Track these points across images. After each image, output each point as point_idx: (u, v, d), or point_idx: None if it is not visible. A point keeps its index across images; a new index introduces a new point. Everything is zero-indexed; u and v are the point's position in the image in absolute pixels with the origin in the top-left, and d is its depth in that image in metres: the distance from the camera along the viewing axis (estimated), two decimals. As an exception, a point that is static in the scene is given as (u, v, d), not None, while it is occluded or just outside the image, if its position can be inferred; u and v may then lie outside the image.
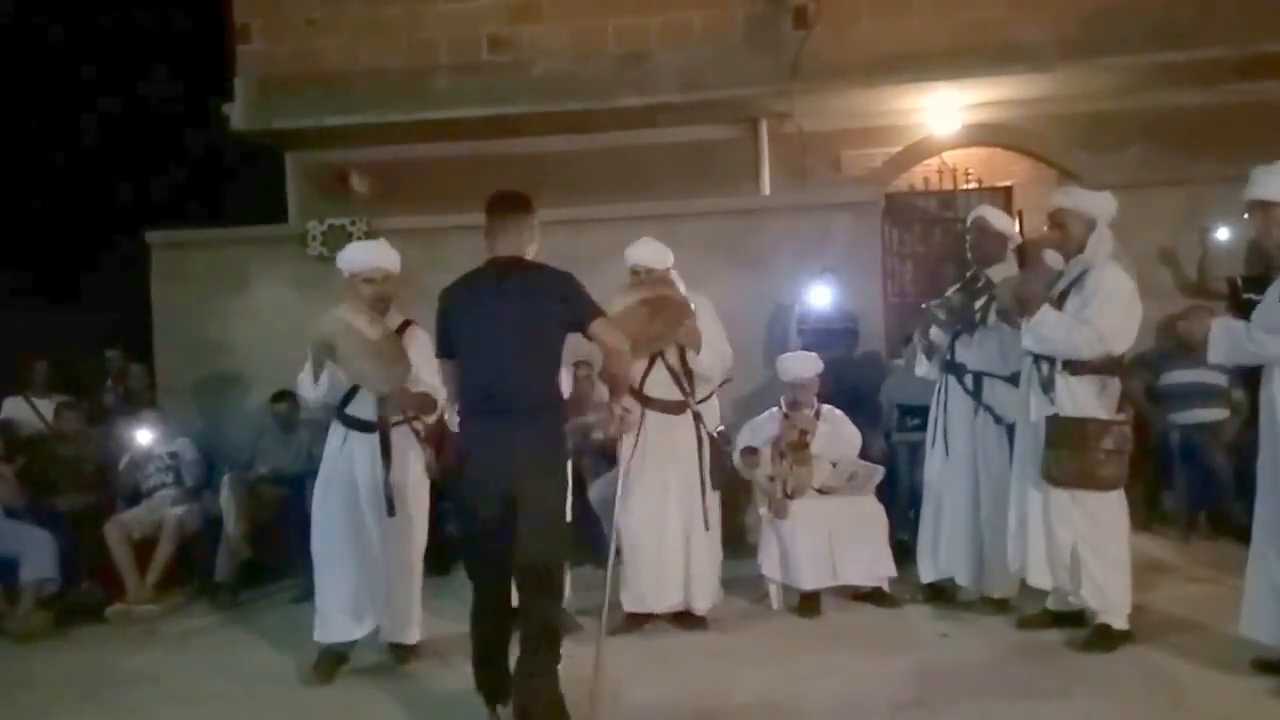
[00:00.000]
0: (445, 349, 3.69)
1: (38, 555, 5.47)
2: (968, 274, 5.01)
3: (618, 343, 3.61)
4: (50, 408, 7.12)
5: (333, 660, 4.39)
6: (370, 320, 4.22)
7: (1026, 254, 5.51)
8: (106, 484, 6.39)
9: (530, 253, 3.67)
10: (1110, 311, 4.21)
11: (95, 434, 6.83)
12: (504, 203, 3.67)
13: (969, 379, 4.80)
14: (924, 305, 5.15)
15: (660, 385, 4.79)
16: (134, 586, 5.71)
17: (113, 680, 4.57)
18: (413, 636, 4.50)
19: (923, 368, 5.11)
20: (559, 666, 3.43)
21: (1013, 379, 4.67)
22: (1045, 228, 4.54)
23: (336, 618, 4.37)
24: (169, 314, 7.56)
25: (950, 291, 5.01)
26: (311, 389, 4.43)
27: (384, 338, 4.24)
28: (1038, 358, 4.36)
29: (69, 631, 5.41)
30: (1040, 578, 4.40)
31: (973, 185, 8.55)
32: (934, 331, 4.97)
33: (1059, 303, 4.32)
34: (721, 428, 5.02)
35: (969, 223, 5.01)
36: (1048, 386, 4.33)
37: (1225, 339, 3.91)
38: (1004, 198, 8.61)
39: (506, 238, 3.63)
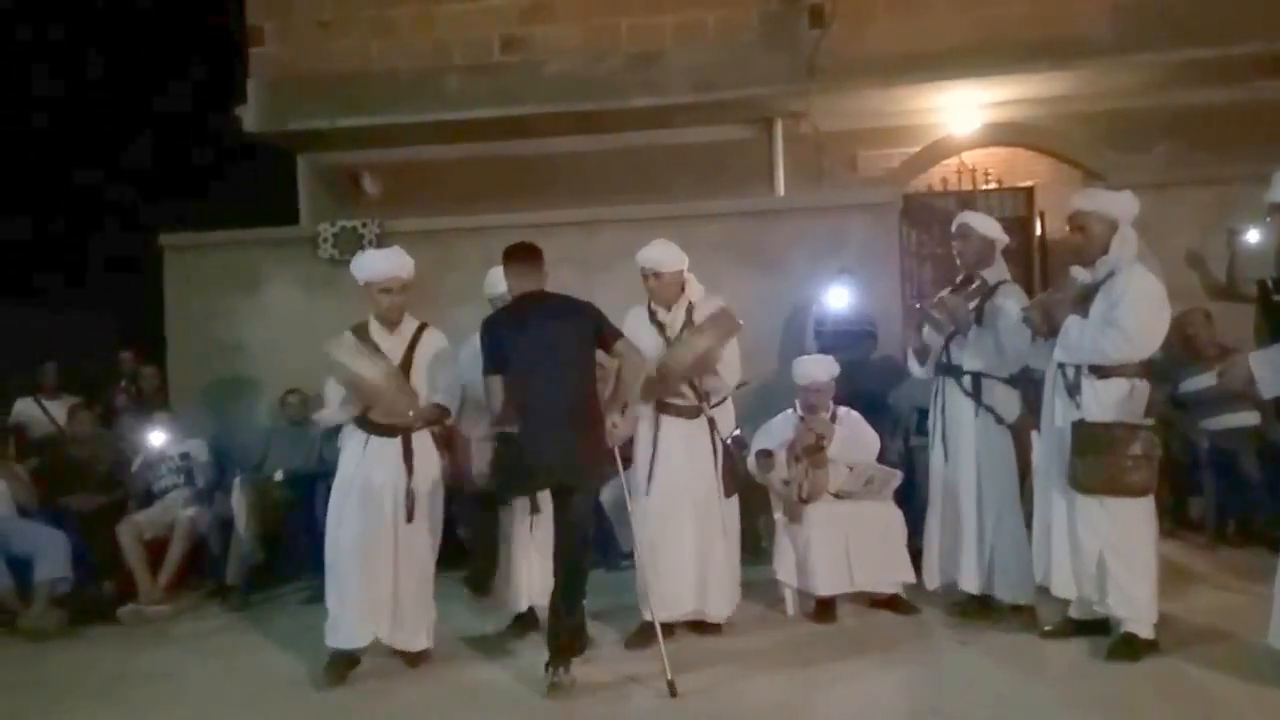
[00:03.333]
0: (496, 366, 4.22)
1: (51, 555, 5.48)
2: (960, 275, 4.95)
3: (640, 363, 4.38)
4: (60, 409, 7.15)
5: (344, 663, 4.37)
6: (370, 358, 4.30)
7: (1049, 258, 5.47)
8: (119, 485, 6.38)
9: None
10: (1138, 313, 4.13)
11: (108, 435, 6.83)
12: (521, 251, 4.35)
13: (967, 380, 4.74)
14: (917, 306, 5.09)
15: (677, 392, 4.71)
16: (146, 587, 5.70)
17: (125, 680, 4.57)
18: (423, 642, 4.48)
19: (915, 369, 5.06)
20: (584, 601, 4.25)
21: (1011, 380, 4.66)
22: (1066, 231, 4.47)
23: (349, 623, 4.34)
24: (182, 316, 7.57)
25: (944, 292, 4.95)
26: (338, 417, 4.55)
27: (385, 376, 4.29)
28: (1063, 362, 4.29)
29: (82, 631, 5.41)
30: (1064, 587, 4.31)
31: (993, 186, 8.43)
32: (927, 333, 4.92)
33: (1085, 306, 4.25)
34: (737, 431, 4.97)
35: (954, 229, 4.94)
36: (1073, 391, 4.25)
37: (1271, 371, 3.78)
38: (1025, 198, 8.51)
39: (528, 279, 4.30)
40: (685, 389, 4.69)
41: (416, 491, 4.37)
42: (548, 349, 4.16)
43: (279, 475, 6.18)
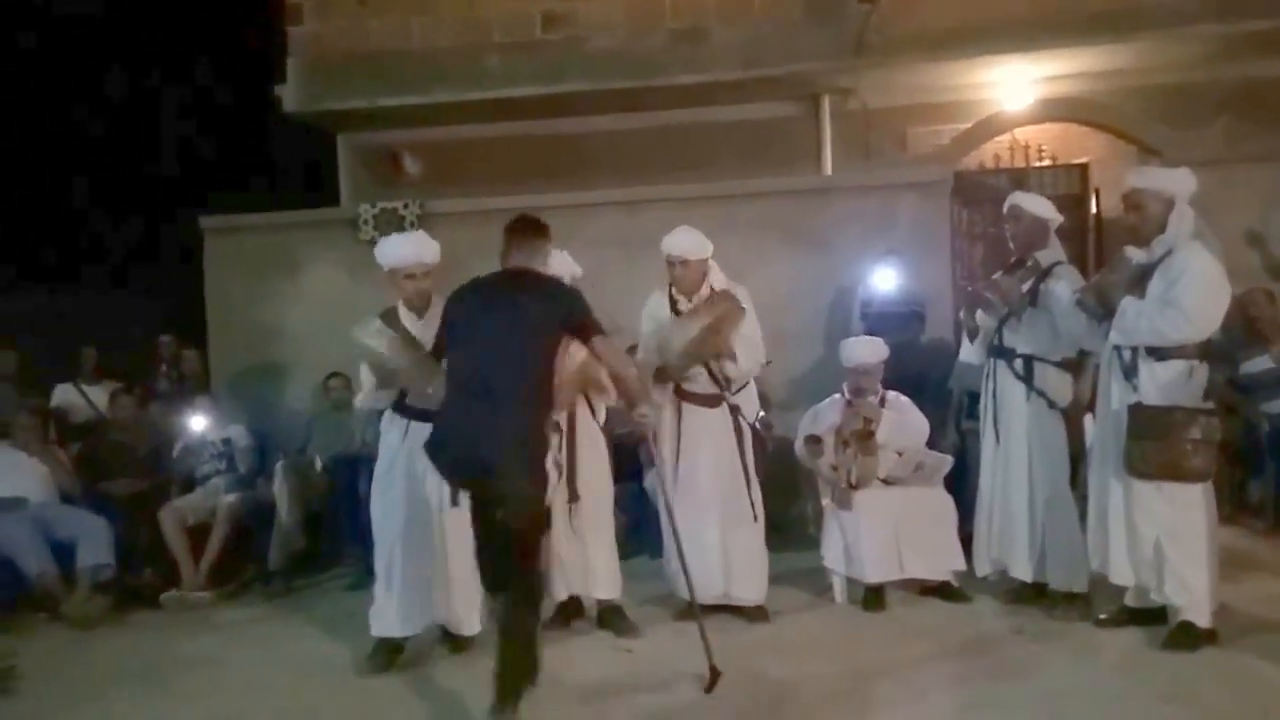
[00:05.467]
0: (439, 343, 3.93)
1: (94, 541, 5.51)
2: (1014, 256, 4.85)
3: (619, 366, 3.94)
4: (101, 394, 7.20)
5: (388, 651, 4.35)
6: (392, 345, 4.20)
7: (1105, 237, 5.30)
8: (160, 470, 6.41)
9: (541, 268, 3.91)
10: (1197, 292, 4.02)
11: (148, 420, 6.87)
12: (522, 225, 3.91)
13: (1019, 363, 4.64)
14: (969, 288, 4.96)
15: (695, 379, 4.71)
16: (188, 573, 5.73)
17: (169, 665, 4.59)
18: (473, 627, 4.44)
19: (966, 352, 4.99)
20: (535, 628, 3.72)
21: (1064, 364, 4.58)
22: (1121, 209, 4.36)
23: (395, 612, 4.32)
24: (221, 300, 7.59)
25: (998, 274, 4.85)
26: (374, 401, 4.51)
27: (412, 363, 4.18)
28: (1119, 344, 4.19)
29: (125, 617, 5.44)
30: (1121, 574, 4.23)
31: (1046, 163, 8.22)
32: (980, 315, 4.83)
33: (1141, 286, 4.13)
34: (762, 413, 4.92)
35: (1005, 211, 4.85)
36: (1130, 373, 4.17)
37: None
38: (1079, 175, 8.26)
39: (519, 255, 3.85)
40: (705, 377, 4.66)
41: None
42: (499, 333, 3.65)
43: (319, 462, 6.19)
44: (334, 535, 6.10)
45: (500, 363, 3.61)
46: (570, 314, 3.74)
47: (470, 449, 3.59)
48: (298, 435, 6.54)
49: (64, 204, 13.15)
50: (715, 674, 3.84)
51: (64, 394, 7.44)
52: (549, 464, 3.76)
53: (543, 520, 3.80)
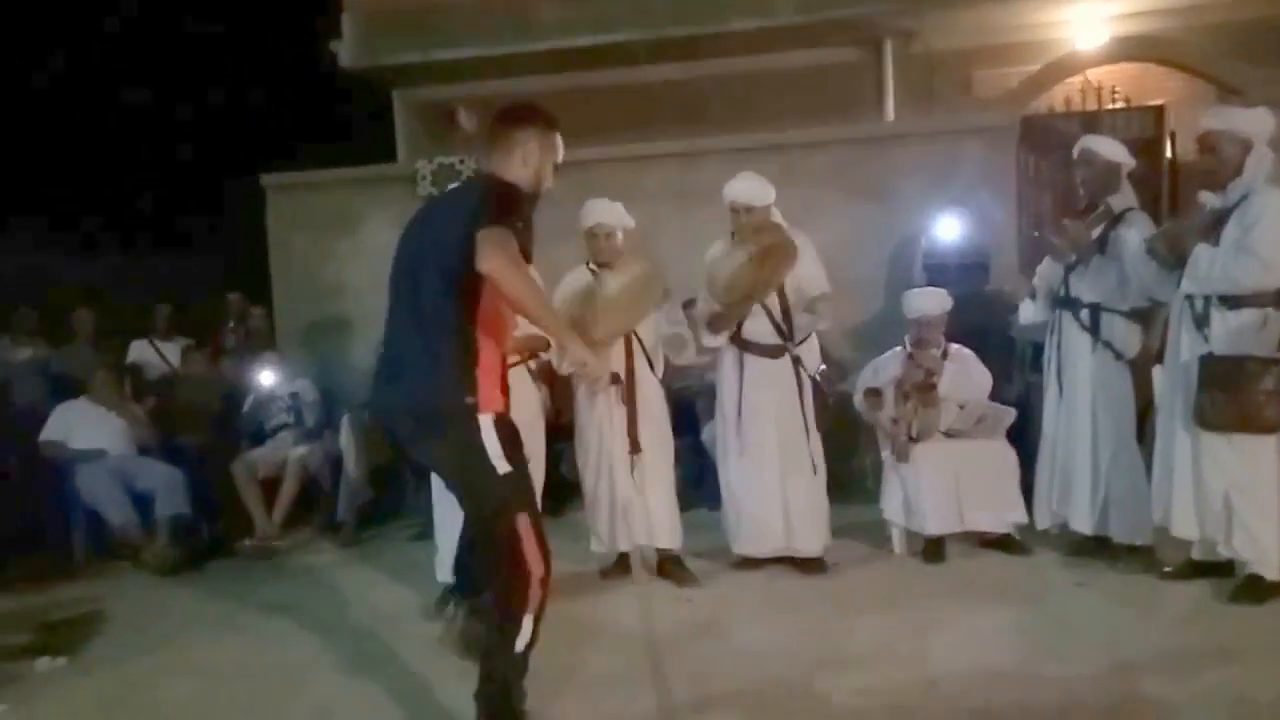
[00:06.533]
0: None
1: (172, 492, 5.71)
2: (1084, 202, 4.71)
3: (497, 265, 2.74)
4: (173, 350, 7.41)
5: (455, 597, 4.42)
6: None
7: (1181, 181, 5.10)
8: (230, 424, 6.59)
9: (519, 172, 3.07)
10: (1274, 238, 3.89)
11: (219, 375, 7.05)
12: (499, 117, 3.16)
13: (1085, 313, 4.54)
14: (1035, 234, 4.83)
15: (758, 329, 4.68)
16: (261, 523, 5.91)
17: (245, 611, 4.73)
18: None
19: (1028, 310, 4.87)
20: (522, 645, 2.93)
21: (1132, 313, 4.47)
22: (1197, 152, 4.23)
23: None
24: (285, 257, 7.70)
25: (1067, 219, 4.71)
26: None
27: None
28: (1191, 293, 4.08)
29: (202, 565, 5.63)
30: (1186, 527, 4.17)
31: (1120, 105, 7.94)
32: (1045, 265, 4.72)
33: (1215, 233, 4.01)
34: (824, 367, 4.86)
35: (1075, 154, 4.70)
36: (1201, 323, 4.07)
37: None
38: (1155, 118, 7.96)
39: (492, 157, 3.12)
40: (770, 328, 4.62)
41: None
42: (414, 258, 3.01)
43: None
44: (400, 486, 6.22)
45: (404, 288, 3.01)
46: (470, 222, 2.81)
47: (387, 406, 3.08)
48: (361, 389, 6.67)
49: (131, 167, 13.43)
50: None
51: (139, 350, 7.67)
52: (498, 405, 2.99)
53: (493, 493, 2.95)
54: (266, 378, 6.50)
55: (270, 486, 5.96)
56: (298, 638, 4.32)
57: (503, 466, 2.91)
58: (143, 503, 5.68)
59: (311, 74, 10.39)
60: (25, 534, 5.44)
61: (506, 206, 2.87)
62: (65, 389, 6.31)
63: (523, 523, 2.90)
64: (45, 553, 5.48)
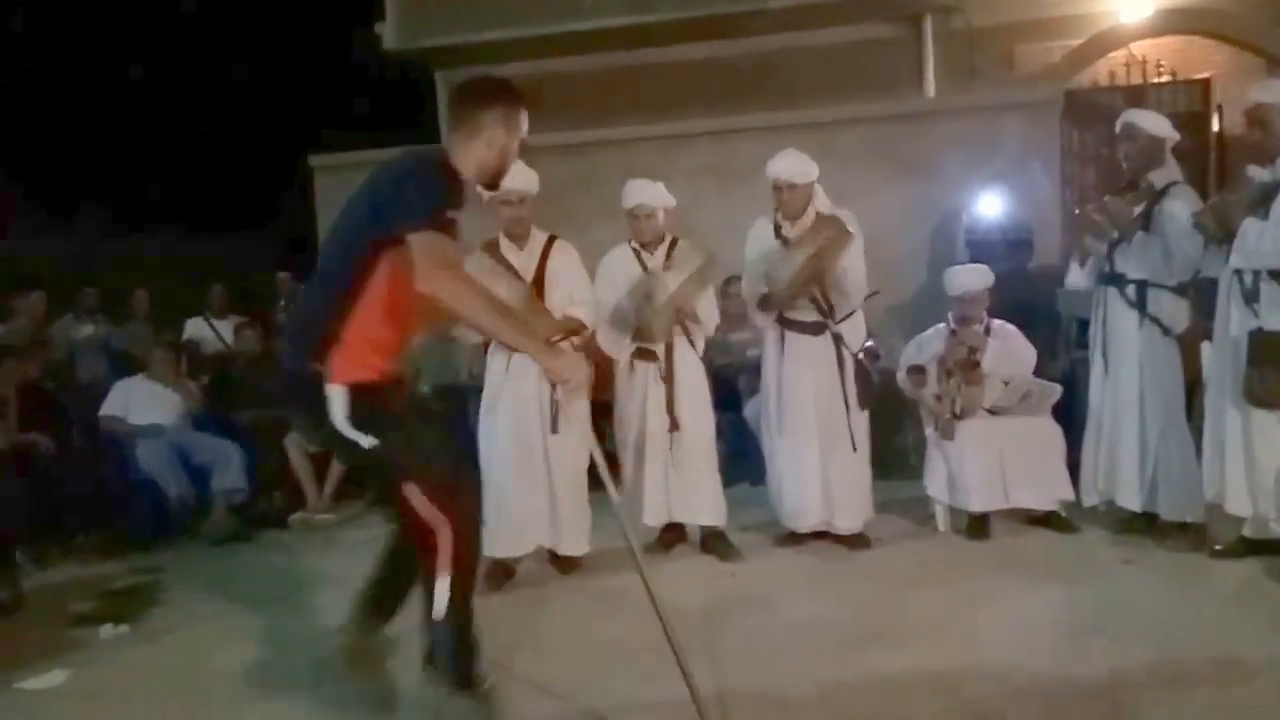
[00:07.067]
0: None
1: (227, 466, 5.86)
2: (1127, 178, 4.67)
3: (440, 286, 2.60)
4: (228, 328, 7.55)
5: (501, 572, 4.52)
6: (502, 278, 4.24)
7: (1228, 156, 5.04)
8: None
9: (481, 154, 2.88)
10: (1325, 213, 3.83)
11: (272, 352, 7.18)
12: (461, 94, 2.95)
13: (1130, 289, 4.50)
14: (1077, 211, 4.79)
15: (798, 307, 4.67)
16: (313, 496, 6.05)
17: (298, 582, 4.83)
18: (581, 548, 4.57)
19: (1074, 276, 4.84)
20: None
21: (1179, 288, 4.44)
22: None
23: (506, 534, 4.46)
24: (333, 235, 7.78)
25: (1108, 197, 4.67)
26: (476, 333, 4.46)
27: (517, 297, 4.21)
28: (1240, 268, 4.04)
29: (256, 537, 5.78)
30: (1239, 504, 4.14)
31: (1165, 79, 7.83)
32: (1089, 240, 4.68)
33: (1264, 206, 3.96)
34: (869, 343, 4.87)
35: (1118, 129, 4.64)
36: (1251, 298, 4.03)
37: None
38: (1201, 92, 7.89)
39: (451, 136, 2.92)
40: (810, 305, 4.63)
41: (559, 403, 4.41)
42: (333, 229, 2.90)
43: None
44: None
45: (316, 283, 2.89)
46: (386, 214, 2.68)
47: (290, 397, 2.95)
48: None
49: (180, 148, 13.63)
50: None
51: (195, 328, 7.86)
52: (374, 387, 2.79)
53: (417, 473, 2.78)
54: (316, 355, 6.59)
55: (322, 460, 6.07)
56: (348, 608, 4.42)
57: (364, 440, 2.75)
58: (199, 476, 5.84)
59: (357, 56, 10.50)
60: (89, 506, 5.60)
61: (439, 197, 2.67)
62: (124, 366, 6.46)
63: (410, 490, 2.75)
64: (108, 524, 5.62)
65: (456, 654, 2.87)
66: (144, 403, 6.07)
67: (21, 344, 6.06)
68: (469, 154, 2.87)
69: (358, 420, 2.74)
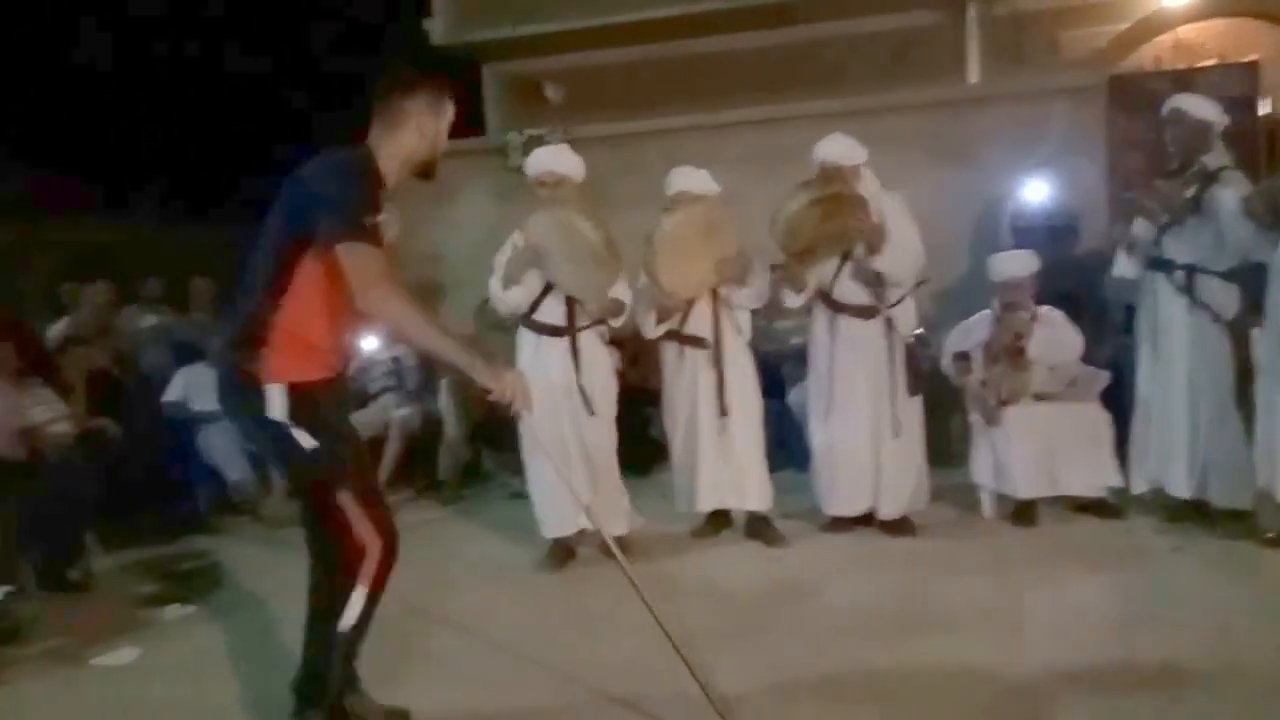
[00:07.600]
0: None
1: (285, 451, 5.98)
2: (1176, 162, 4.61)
3: (379, 304, 2.58)
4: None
5: (561, 552, 4.62)
6: (594, 225, 4.30)
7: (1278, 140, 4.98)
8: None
9: (413, 143, 2.82)
10: (1376, 196, 3.78)
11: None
12: (385, 87, 2.83)
13: (1180, 275, 4.46)
14: (1124, 195, 4.76)
15: (849, 289, 4.68)
16: (368, 480, 6.16)
17: (354, 565, 4.96)
18: (623, 527, 4.62)
19: (1121, 266, 4.78)
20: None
21: (1229, 274, 4.38)
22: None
23: (555, 513, 4.57)
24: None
25: (1159, 180, 4.63)
26: (503, 295, 4.57)
27: (604, 242, 4.31)
28: None
29: (313, 520, 5.90)
30: None
31: (1212, 62, 7.69)
32: (1138, 225, 4.63)
33: None
34: (920, 330, 4.87)
35: (1164, 114, 4.60)
36: None
37: None
38: (1248, 74, 7.71)
39: (376, 129, 2.81)
40: (861, 288, 4.63)
41: (588, 387, 4.49)
42: (258, 238, 2.79)
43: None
44: (497, 448, 6.43)
45: (249, 270, 2.78)
46: (314, 208, 2.61)
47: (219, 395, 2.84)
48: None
49: (226, 141, 13.82)
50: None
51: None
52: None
53: (319, 475, 2.73)
54: (369, 343, 6.70)
55: (375, 447, 6.14)
56: (407, 590, 4.43)
57: (307, 440, 2.67)
58: (259, 461, 5.94)
59: (408, 50, 10.60)
60: (153, 490, 5.74)
61: (367, 205, 2.60)
62: (187, 354, 6.61)
63: (345, 499, 2.70)
64: (172, 508, 5.78)
65: (330, 672, 2.81)
66: (205, 390, 6.14)
67: (89, 334, 6.20)
68: (398, 145, 2.79)
69: (296, 420, 2.68)
